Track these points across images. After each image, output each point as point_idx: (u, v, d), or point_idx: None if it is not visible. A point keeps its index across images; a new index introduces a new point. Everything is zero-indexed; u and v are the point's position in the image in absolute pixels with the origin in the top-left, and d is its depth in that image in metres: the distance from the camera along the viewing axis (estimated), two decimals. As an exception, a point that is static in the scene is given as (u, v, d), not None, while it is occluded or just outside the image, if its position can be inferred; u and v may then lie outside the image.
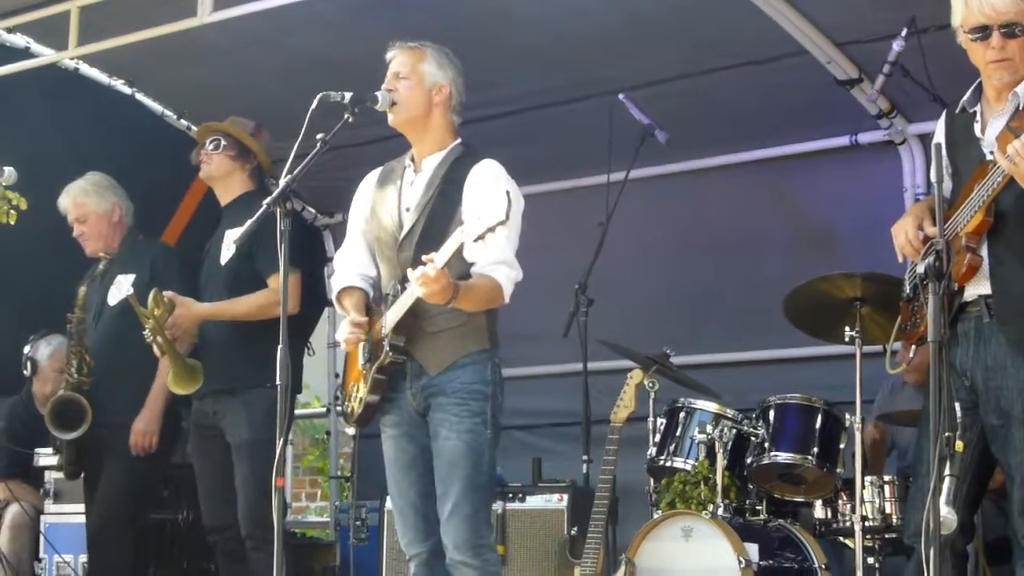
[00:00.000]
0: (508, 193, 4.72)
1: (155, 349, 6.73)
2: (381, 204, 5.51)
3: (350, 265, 5.64)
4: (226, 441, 6.69)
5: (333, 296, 5.72)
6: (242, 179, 6.95)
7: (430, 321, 5.27)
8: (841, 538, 6.73)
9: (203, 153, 6.96)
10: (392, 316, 5.27)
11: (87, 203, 7.40)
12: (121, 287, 7.22)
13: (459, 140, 5.49)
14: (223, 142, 6.93)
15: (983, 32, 4.88)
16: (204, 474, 6.90)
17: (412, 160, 5.51)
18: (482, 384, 5.29)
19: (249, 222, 5.30)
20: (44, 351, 8.38)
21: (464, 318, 5.26)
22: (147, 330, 6.63)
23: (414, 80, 5.42)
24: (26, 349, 8.41)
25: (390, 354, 5.27)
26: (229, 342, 6.70)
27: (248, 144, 6.96)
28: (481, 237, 4.70)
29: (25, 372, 8.42)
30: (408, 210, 5.40)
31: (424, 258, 4.89)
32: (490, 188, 5.17)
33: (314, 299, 6.89)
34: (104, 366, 7.17)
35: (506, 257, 5.22)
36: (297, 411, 9.43)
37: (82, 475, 7.36)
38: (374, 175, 5.65)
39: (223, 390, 6.71)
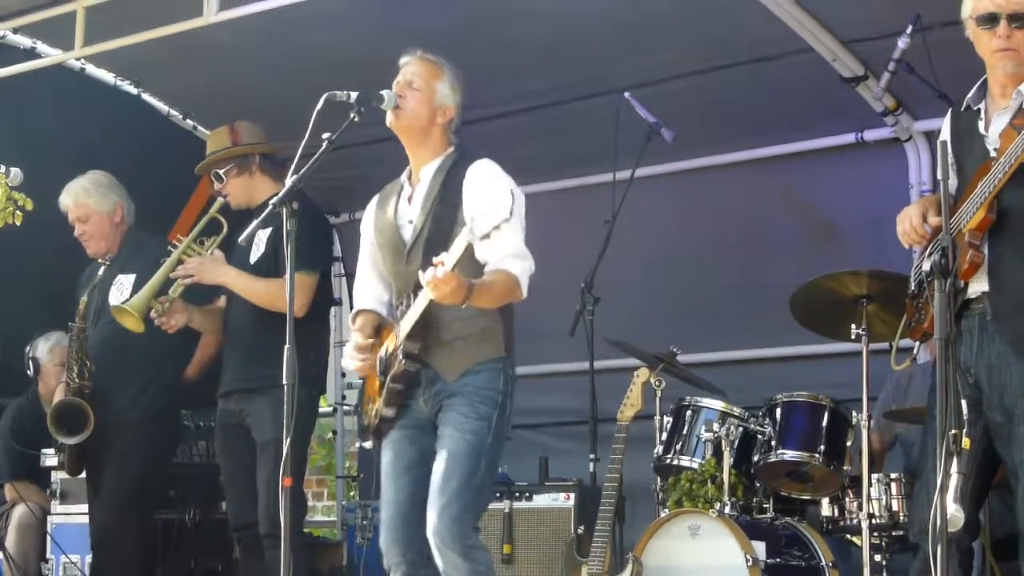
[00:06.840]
0: (512, 191, 4.71)
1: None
2: (383, 223, 5.52)
3: (365, 291, 5.65)
4: (253, 439, 6.67)
5: (349, 319, 5.73)
6: (256, 182, 6.93)
7: (446, 329, 5.26)
8: (848, 536, 6.72)
9: (218, 193, 7.00)
10: (405, 324, 5.25)
11: (88, 203, 7.34)
12: (122, 288, 7.18)
13: (453, 147, 5.47)
14: (220, 171, 6.94)
15: (992, 21, 4.91)
16: (231, 475, 6.88)
17: (408, 176, 5.52)
18: (494, 391, 5.27)
19: (255, 222, 5.33)
20: (43, 347, 8.40)
21: (481, 326, 5.27)
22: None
23: (425, 95, 5.41)
24: (27, 349, 8.43)
25: (404, 362, 5.24)
26: (255, 341, 6.66)
27: (236, 153, 6.95)
28: (487, 235, 4.69)
29: (29, 372, 8.44)
30: (410, 223, 5.41)
31: (434, 260, 4.85)
32: (491, 186, 5.19)
33: (323, 299, 6.86)
34: (105, 365, 7.15)
35: (518, 250, 5.19)
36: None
37: (84, 473, 7.34)
38: (374, 200, 5.66)
39: (250, 389, 6.67)
